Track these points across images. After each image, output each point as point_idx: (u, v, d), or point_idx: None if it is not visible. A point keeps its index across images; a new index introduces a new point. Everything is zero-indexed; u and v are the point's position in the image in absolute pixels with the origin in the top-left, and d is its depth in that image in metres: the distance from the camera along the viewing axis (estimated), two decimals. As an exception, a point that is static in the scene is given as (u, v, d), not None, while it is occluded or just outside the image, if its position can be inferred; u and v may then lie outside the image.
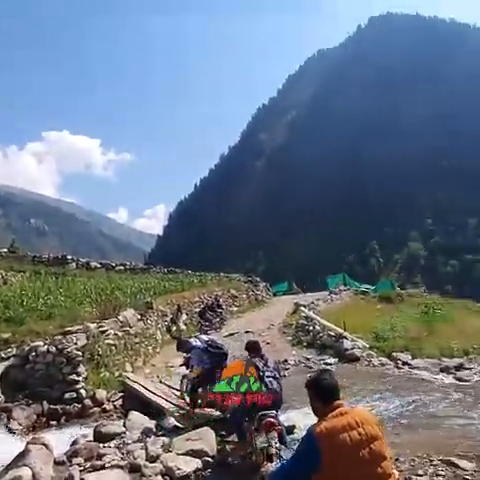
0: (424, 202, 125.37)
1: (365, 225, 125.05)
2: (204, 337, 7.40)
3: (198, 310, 17.46)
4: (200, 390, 7.10)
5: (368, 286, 30.55)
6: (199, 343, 7.15)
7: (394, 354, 11.79)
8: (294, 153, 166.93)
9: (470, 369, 10.84)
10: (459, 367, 11.03)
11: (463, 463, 5.17)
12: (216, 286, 22.24)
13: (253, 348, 5.62)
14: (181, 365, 8.60)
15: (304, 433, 2.63)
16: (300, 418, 7.16)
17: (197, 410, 7.12)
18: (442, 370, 10.80)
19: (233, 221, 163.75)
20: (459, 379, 9.85)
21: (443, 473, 5.06)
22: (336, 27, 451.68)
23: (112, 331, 10.08)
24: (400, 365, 11.03)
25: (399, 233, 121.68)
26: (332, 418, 2.53)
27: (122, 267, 22.36)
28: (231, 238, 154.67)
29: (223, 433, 6.19)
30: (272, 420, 4.87)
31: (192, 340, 7.43)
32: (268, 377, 5.16)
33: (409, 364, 11.11)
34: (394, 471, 2.83)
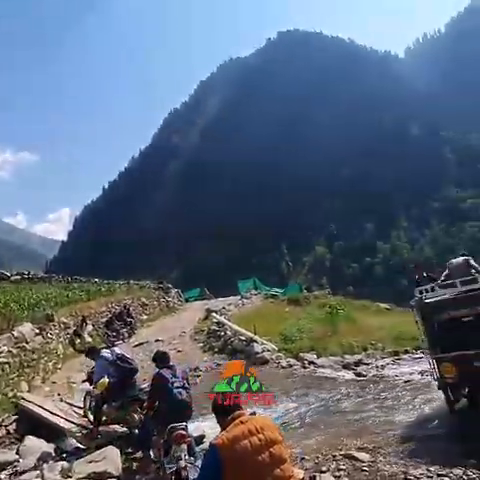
0: (329, 207, 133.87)
1: (275, 229, 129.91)
2: (117, 350, 7.01)
3: (105, 320, 16.61)
4: (105, 407, 6.65)
5: (278, 289, 31.49)
6: (109, 355, 6.75)
7: (301, 354, 12.25)
8: (206, 157, 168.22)
9: (368, 364, 11.63)
10: (358, 363, 11.79)
11: (361, 455, 5.51)
12: (125, 294, 21.36)
13: (161, 359, 5.44)
14: (84, 381, 8.02)
15: (207, 447, 2.73)
16: (210, 426, 7.12)
17: (101, 428, 6.69)
18: (344, 367, 11.43)
19: (144, 226, 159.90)
20: (358, 374, 10.51)
21: (344, 467, 5.33)
22: (248, 37, 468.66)
23: (5, 348, 9.13)
24: (306, 365, 11.49)
25: (307, 237, 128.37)
26: (233, 428, 2.62)
27: (19, 276, 20.42)
28: (142, 244, 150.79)
29: (129, 450, 5.90)
30: (182, 432, 4.76)
31: (104, 351, 7.00)
32: (177, 388, 5.04)
33: (314, 363, 11.62)
34: (297, 471, 2.93)
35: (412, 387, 8.62)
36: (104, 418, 6.69)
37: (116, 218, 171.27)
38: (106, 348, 7.46)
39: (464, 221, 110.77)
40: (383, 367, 11.24)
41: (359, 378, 10.12)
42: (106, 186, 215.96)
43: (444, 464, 5.01)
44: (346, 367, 11.35)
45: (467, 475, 4.67)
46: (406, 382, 9.07)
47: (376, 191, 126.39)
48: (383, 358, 12.37)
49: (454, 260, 7.38)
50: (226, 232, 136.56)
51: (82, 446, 6.50)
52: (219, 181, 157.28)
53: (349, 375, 10.51)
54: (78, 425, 7.23)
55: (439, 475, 4.77)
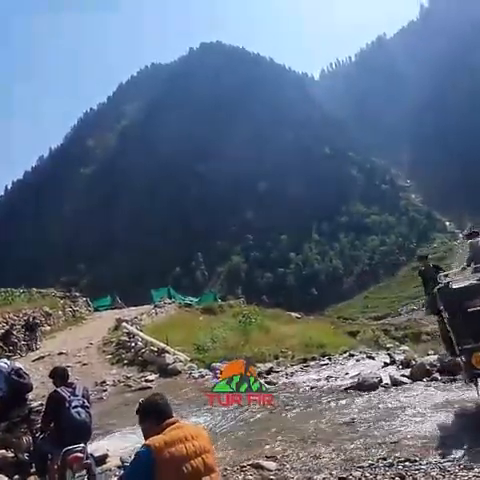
0: (245, 219, 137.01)
1: (192, 238, 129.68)
2: (16, 364, 6.27)
3: (1, 333, 15.09)
4: (-9, 429, 5.92)
5: (192, 298, 31.49)
6: (5, 366, 6.00)
7: (214, 364, 12.17)
8: (123, 163, 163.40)
9: (278, 372, 11.88)
10: (269, 371, 11.99)
11: (268, 464, 5.54)
12: (26, 303, 19.70)
13: (59, 376, 4.99)
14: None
15: (139, 448, 2.56)
16: (114, 444, 6.71)
17: (-14, 455, 5.94)
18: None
19: (52, 230, 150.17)
20: (269, 383, 10.66)
21: (251, 477, 5.32)
22: (171, 45, 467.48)
23: None
24: (218, 375, 11.42)
25: (223, 247, 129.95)
26: (169, 431, 2.57)
27: None
28: (50, 250, 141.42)
29: (16, 477, 5.34)
30: (79, 455, 4.39)
31: (0, 360, 6.23)
32: (75, 407, 4.65)
33: (227, 373, 11.59)
34: None
35: (318, 392, 8.95)
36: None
37: (20, 221, 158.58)
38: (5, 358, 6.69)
39: (367, 235, 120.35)
40: (292, 374, 11.55)
41: (269, 386, 10.28)
42: (9, 186, 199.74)
43: (346, 467, 5.22)
44: (258, 375, 11.46)
45: (365, 476, 4.90)
46: (312, 388, 9.40)
47: (290, 205, 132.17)
48: (292, 365, 12.74)
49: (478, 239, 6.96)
50: (140, 239, 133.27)
51: (-38, 477, 5.72)
52: (134, 187, 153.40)
53: (260, 383, 10.63)
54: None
55: (340, 478, 4.95)
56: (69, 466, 4.33)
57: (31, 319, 16.90)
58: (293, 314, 28.17)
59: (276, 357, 13.82)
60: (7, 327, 15.40)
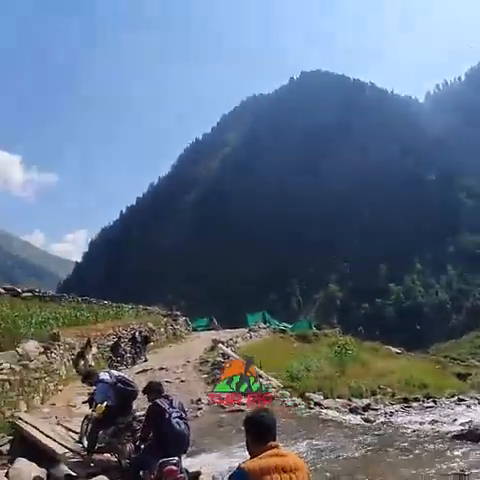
0: (343, 246, 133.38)
1: (287, 264, 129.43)
2: (115, 372, 6.80)
3: (111, 343, 16.45)
4: (100, 432, 6.38)
5: (287, 325, 31.26)
6: (108, 377, 6.53)
7: (307, 394, 11.88)
8: (225, 189, 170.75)
9: (376, 410, 11.21)
10: (366, 407, 11.37)
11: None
12: (133, 319, 21.27)
13: (154, 390, 5.19)
14: (84, 402, 7.79)
15: (234, 469, 2.46)
16: (208, 463, 6.82)
17: (95, 456, 6.44)
18: (351, 410, 11.02)
19: (158, 252, 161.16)
20: (366, 420, 10.10)
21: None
22: (271, 76, 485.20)
23: (7, 365, 8.99)
24: (312, 405, 11.09)
25: (320, 275, 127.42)
26: (268, 457, 2.44)
27: (30, 293, 20.42)
28: (155, 270, 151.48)
29: (117, 482, 5.66)
30: (173, 468, 4.53)
31: (101, 373, 6.81)
32: (175, 418, 4.82)
33: (320, 404, 11.22)
34: None
35: (422, 437, 8.22)
36: (98, 445, 6.45)
37: (132, 242, 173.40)
38: (104, 371, 7.24)
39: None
40: (392, 414, 10.83)
41: (367, 424, 9.72)
42: (124, 210, 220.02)
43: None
44: (353, 411, 10.95)
45: None
46: (415, 431, 8.67)
47: (390, 233, 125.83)
48: (392, 404, 11.95)
49: None
50: (236, 263, 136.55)
51: (73, 473, 6.25)
52: (236, 213, 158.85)
53: (356, 420, 10.11)
54: (72, 451, 6.99)
55: None
56: (164, 477, 4.48)
57: (137, 334, 18.17)
58: (393, 349, 26.45)
59: (373, 393, 13.09)
60: (116, 339, 16.78)
